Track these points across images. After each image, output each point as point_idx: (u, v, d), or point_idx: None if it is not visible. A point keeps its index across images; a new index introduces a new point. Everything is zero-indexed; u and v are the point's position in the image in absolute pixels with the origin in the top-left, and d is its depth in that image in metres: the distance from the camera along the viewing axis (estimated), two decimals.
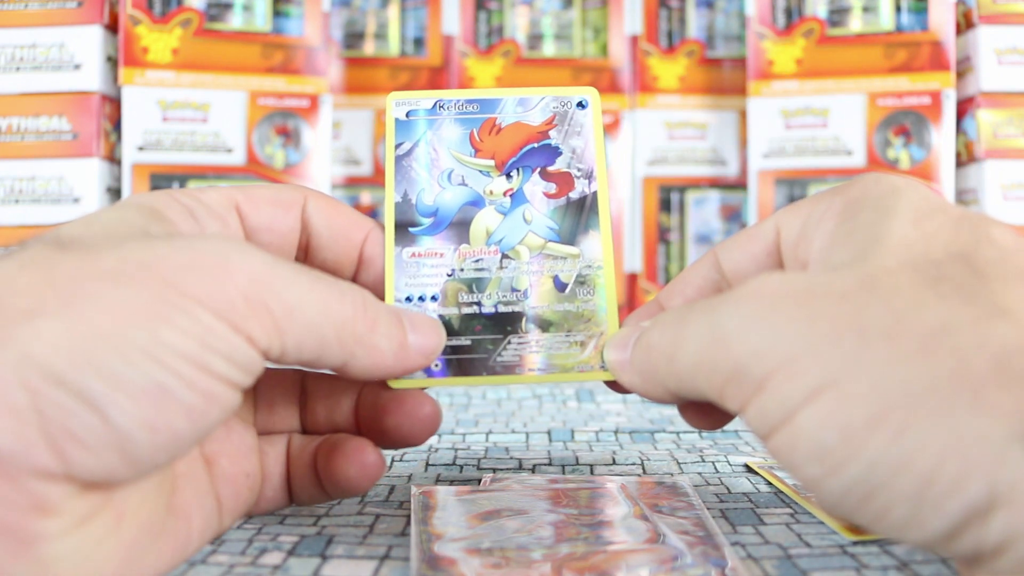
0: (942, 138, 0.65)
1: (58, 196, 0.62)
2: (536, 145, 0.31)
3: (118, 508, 0.21)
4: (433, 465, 0.37)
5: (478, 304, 0.30)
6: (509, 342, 0.29)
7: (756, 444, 0.42)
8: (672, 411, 0.49)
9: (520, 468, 0.37)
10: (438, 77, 0.74)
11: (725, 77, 0.73)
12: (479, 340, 0.29)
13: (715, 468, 0.37)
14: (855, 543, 0.27)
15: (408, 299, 0.29)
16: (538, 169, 0.31)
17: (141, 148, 0.64)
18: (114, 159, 0.65)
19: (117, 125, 0.65)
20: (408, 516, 0.30)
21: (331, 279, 0.24)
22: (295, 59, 0.67)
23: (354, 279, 0.30)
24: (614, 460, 0.38)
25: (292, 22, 0.67)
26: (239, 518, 0.27)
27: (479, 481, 0.34)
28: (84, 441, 0.19)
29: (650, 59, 0.73)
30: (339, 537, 0.28)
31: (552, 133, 0.31)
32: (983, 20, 0.64)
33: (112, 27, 0.64)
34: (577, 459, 0.38)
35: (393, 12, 0.75)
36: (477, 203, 0.31)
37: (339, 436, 0.28)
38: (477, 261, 0.30)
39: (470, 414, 0.49)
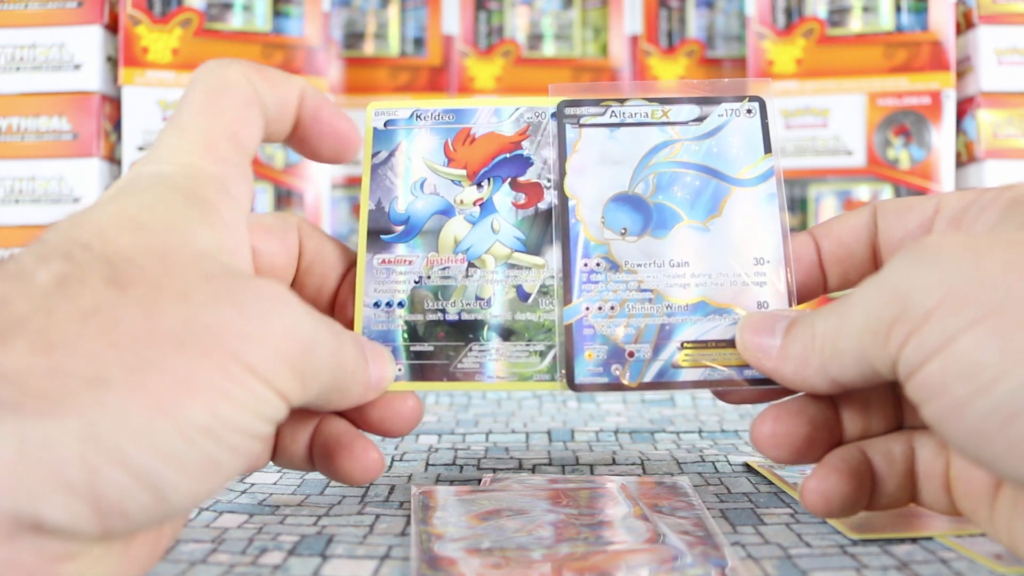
0: (942, 138, 0.65)
1: (58, 196, 0.62)
2: (508, 155, 0.32)
3: (129, 537, 0.21)
4: (433, 465, 0.37)
5: (442, 311, 0.30)
6: (470, 349, 0.30)
7: None
8: (672, 411, 0.49)
9: (520, 468, 0.37)
10: (438, 77, 0.74)
11: (725, 77, 0.73)
12: (441, 347, 0.30)
13: (715, 468, 0.37)
14: (855, 543, 0.27)
15: (376, 304, 0.30)
16: (508, 179, 0.32)
17: (141, 148, 0.64)
18: (114, 159, 0.65)
19: (117, 125, 0.65)
20: (408, 516, 0.30)
21: (339, 328, 0.25)
22: (295, 59, 0.67)
23: (290, 138, 0.29)
24: (614, 460, 0.38)
25: (292, 22, 0.67)
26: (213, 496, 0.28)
27: (479, 481, 0.34)
28: (133, 516, 0.19)
29: (650, 59, 0.73)
30: (339, 537, 0.28)
31: (525, 144, 0.32)
32: (983, 20, 0.64)
33: (112, 27, 0.64)
34: (577, 459, 0.38)
35: (393, 12, 0.75)
36: (447, 212, 0.31)
37: (340, 428, 0.29)
38: (444, 269, 0.31)
39: (470, 414, 0.48)
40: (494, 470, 0.36)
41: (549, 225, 0.31)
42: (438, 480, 0.35)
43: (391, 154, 0.32)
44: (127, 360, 0.19)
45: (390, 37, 0.75)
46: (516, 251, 0.31)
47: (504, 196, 0.31)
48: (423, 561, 0.25)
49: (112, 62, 0.65)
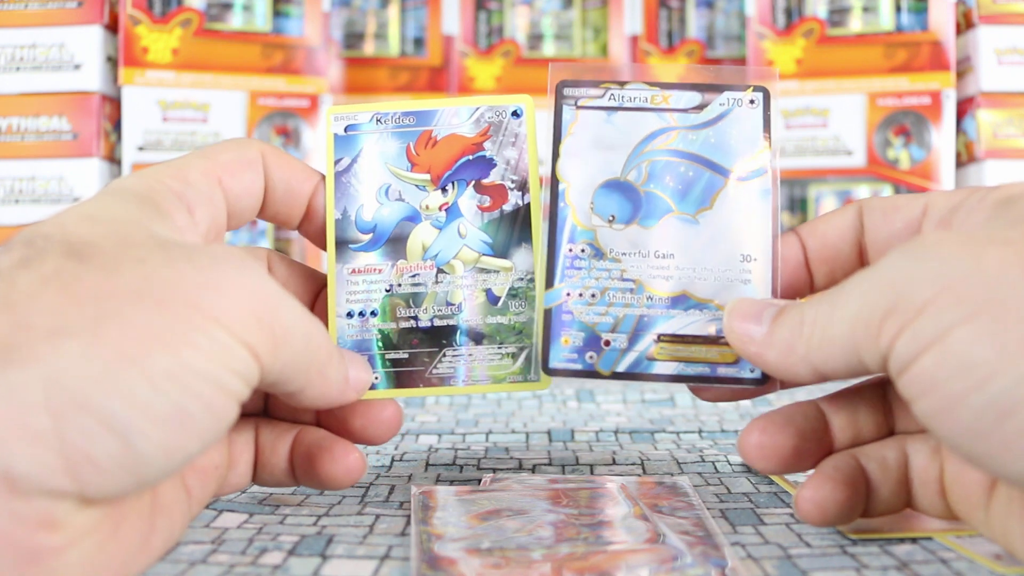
0: (942, 138, 0.65)
1: (58, 196, 0.62)
2: (471, 157, 0.31)
3: (116, 516, 0.21)
4: (433, 465, 0.37)
5: (415, 319, 0.31)
6: (444, 355, 0.30)
7: None
8: (672, 411, 0.49)
9: (520, 468, 0.37)
10: (438, 77, 0.74)
11: None
12: (416, 353, 0.30)
13: (715, 468, 0.37)
14: (855, 543, 0.27)
15: (350, 314, 0.31)
16: (472, 182, 0.31)
17: (141, 148, 0.64)
18: (114, 159, 0.65)
19: (117, 125, 0.65)
20: (408, 516, 0.30)
21: (307, 311, 0.25)
22: (295, 59, 0.67)
23: (300, 226, 0.31)
24: (614, 460, 0.38)
25: (292, 22, 0.67)
26: (204, 506, 0.27)
27: (479, 481, 0.34)
28: (102, 465, 0.19)
29: (650, 59, 0.73)
30: (339, 537, 0.28)
31: (487, 144, 0.31)
32: (983, 20, 0.64)
33: (112, 27, 0.64)
34: (577, 459, 0.38)
35: (393, 12, 0.75)
36: (414, 218, 0.31)
37: (319, 434, 0.29)
38: (414, 276, 0.31)
39: (470, 414, 0.49)
40: (494, 470, 0.36)
41: (515, 227, 0.31)
42: (438, 480, 0.35)
43: (354, 160, 0.31)
44: (88, 313, 0.19)
45: (390, 37, 0.75)
46: (484, 255, 0.31)
47: (469, 199, 0.31)
48: (423, 561, 0.25)
49: (112, 62, 0.65)
